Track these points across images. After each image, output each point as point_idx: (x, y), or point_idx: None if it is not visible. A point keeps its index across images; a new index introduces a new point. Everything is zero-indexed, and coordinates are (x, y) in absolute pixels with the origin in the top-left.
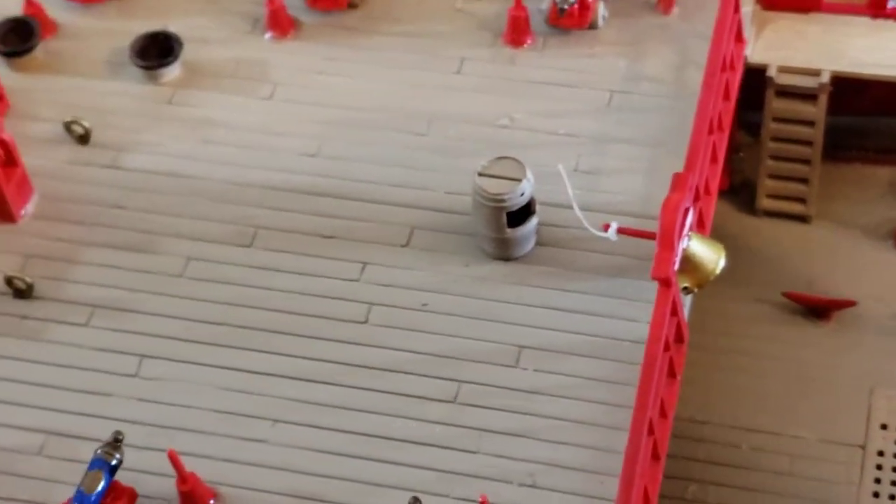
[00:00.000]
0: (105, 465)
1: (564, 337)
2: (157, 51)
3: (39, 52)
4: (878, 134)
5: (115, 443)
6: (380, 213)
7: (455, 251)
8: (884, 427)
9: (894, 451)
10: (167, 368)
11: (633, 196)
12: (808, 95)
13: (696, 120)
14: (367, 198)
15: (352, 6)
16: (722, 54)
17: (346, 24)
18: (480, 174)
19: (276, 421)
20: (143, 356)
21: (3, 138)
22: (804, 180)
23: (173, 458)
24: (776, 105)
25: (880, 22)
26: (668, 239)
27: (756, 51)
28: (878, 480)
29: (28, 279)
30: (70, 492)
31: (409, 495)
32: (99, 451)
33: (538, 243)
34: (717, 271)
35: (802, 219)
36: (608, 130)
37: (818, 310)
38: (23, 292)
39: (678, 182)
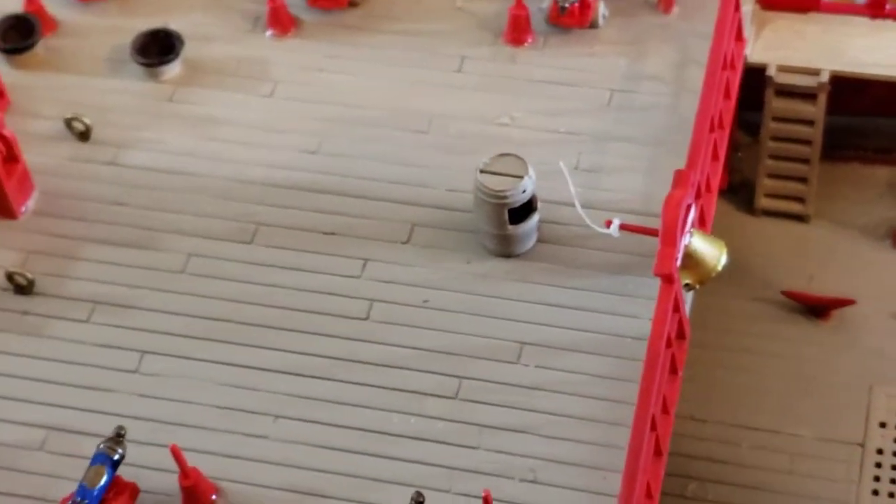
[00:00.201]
0: (107, 459)
1: (566, 333)
2: (157, 48)
3: (40, 49)
4: (877, 134)
5: (118, 438)
6: (381, 210)
7: (456, 248)
8: (882, 425)
9: (893, 450)
10: (168, 364)
11: (634, 193)
12: (808, 95)
13: (697, 117)
14: (367, 195)
15: (352, 4)
16: (723, 53)
17: (346, 22)
18: (482, 171)
19: (277, 416)
20: (144, 352)
21: (5, 135)
22: (803, 180)
23: (176, 454)
24: (775, 104)
25: (879, 22)
26: (670, 235)
27: (755, 50)
28: (877, 478)
29: (29, 275)
30: (72, 487)
31: (410, 490)
32: (101, 446)
33: (539, 240)
34: (719, 268)
35: (801, 218)
36: (609, 129)
37: (817, 308)
38: (24, 288)
39: (680, 178)
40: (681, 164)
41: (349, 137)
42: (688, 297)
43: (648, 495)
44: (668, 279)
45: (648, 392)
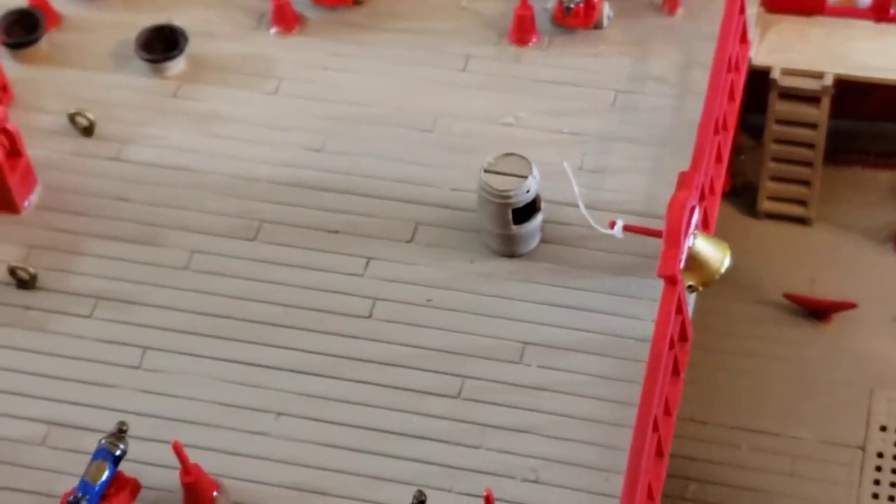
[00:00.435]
0: (109, 455)
1: (569, 334)
2: (162, 44)
3: (44, 43)
4: (880, 138)
5: (120, 433)
6: (384, 209)
7: (460, 247)
8: (883, 429)
9: (894, 453)
10: (171, 360)
11: (638, 195)
12: (811, 98)
13: (702, 119)
14: (371, 193)
15: (357, 3)
16: (727, 55)
17: (351, 20)
18: (486, 171)
19: (279, 414)
20: (146, 348)
21: (8, 129)
22: (806, 183)
23: (178, 450)
24: (779, 107)
25: (884, 26)
26: (674, 236)
27: (759, 53)
28: (877, 482)
29: (31, 270)
30: (74, 482)
31: (411, 489)
32: (103, 442)
33: (543, 240)
34: (723, 270)
35: (803, 221)
36: (613, 129)
37: (819, 311)
38: (26, 283)
39: (684, 180)
40: (685, 165)
41: (353, 135)
42: (691, 299)
43: (650, 496)
44: (671, 281)
45: (651, 393)
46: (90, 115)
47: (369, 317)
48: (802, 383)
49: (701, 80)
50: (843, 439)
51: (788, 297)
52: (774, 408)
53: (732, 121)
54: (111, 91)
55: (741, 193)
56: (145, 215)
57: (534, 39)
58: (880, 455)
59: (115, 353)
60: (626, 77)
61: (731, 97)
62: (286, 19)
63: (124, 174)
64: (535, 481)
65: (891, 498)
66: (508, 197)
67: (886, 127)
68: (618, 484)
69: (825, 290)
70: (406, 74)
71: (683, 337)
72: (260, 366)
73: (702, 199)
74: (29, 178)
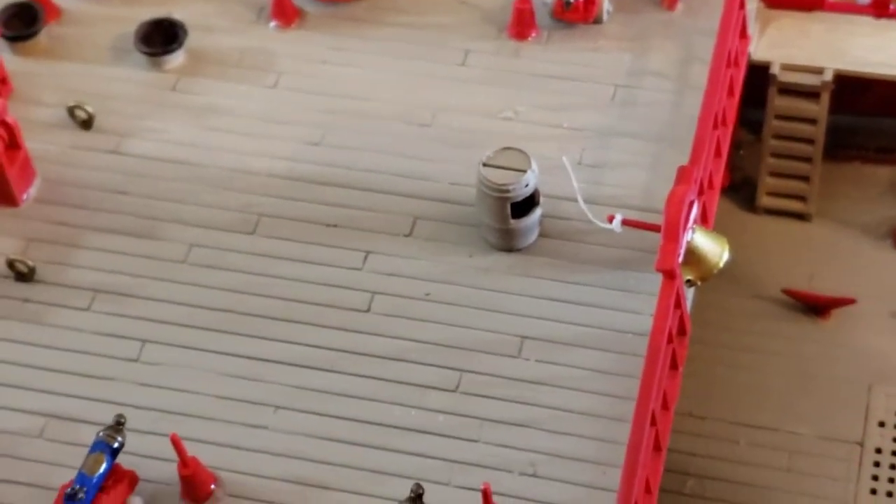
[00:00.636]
0: (107, 447)
1: (567, 328)
2: (161, 38)
3: (43, 36)
4: (879, 133)
5: (117, 426)
6: (383, 203)
7: (458, 241)
8: (881, 424)
9: (892, 449)
10: (169, 354)
11: (637, 189)
12: (811, 93)
13: (701, 114)
14: (370, 187)
15: None
16: (727, 50)
17: (350, 14)
18: (485, 164)
19: (278, 407)
20: (144, 341)
21: (7, 122)
22: (805, 178)
23: (176, 443)
24: (778, 102)
25: (884, 22)
26: (672, 231)
27: (759, 48)
28: (875, 477)
29: (30, 262)
30: (71, 475)
31: (409, 483)
32: (101, 434)
33: (541, 235)
34: (721, 265)
35: (802, 217)
36: (612, 124)
37: (817, 307)
38: (24, 275)
39: (683, 175)
40: (684, 160)
41: (352, 130)
42: (689, 294)
43: (647, 491)
44: (669, 275)
45: (649, 388)
46: (89, 109)
47: (368, 311)
48: (801, 379)
49: (700, 75)
50: (842, 435)
51: (787, 292)
52: (773, 403)
53: (732, 116)
54: (110, 84)
55: (740, 189)
56: (144, 208)
57: (533, 34)
58: (878, 451)
59: (113, 346)
60: (626, 72)
61: (731, 92)
62: (286, 13)
63: (123, 167)
64: (533, 475)
65: (889, 493)
66: (507, 191)
67: (886, 122)
68: (615, 478)
69: (824, 286)
70: (405, 69)
71: (682, 331)
72: (258, 359)
73: (700, 193)
74: (28, 171)
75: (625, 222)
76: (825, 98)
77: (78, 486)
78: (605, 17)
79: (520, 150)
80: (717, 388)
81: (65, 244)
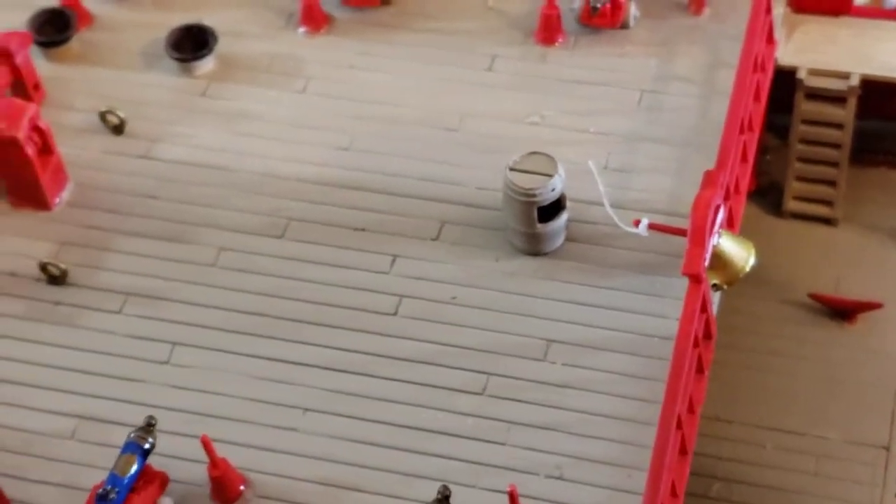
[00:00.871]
0: (138, 448)
1: (593, 332)
2: (191, 44)
3: (75, 42)
4: None
5: (148, 427)
6: (410, 207)
7: (485, 245)
8: None
9: None
10: (199, 356)
11: (663, 194)
12: (837, 98)
13: (727, 119)
14: (398, 192)
15: (385, 3)
16: (754, 55)
17: (379, 20)
18: (512, 169)
19: (307, 410)
20: (175, 344)
21: (40, 127)
22: (831, 183)
23: (206, 444)
24: (805, 107)
25: None
26: (699, 235)
27: (786, 53)
28: None
29: (62, 266)
30: (103, 475)
31: (436, 485)
32: (132, 435)
33: (568, 239)
34: (747, 269)
35: (829, 222)
36: (639, 129)
37: (844, 311)
38: (57, 279)
39: (710, 179)
40: (710, 165)
41: (380, 135)
42: (715, 298)
43: (673, 494)
44: (696, 279)
45: (675, 391)
46: (120, 114)
47: (395, 314)
48: (827, 383)
49: (727, 80)
50: (868, 439)
51: (814, 296)
52: (799, 407)
53: (758, 121)
54: (141, 90)
55: (767, 193)
56: (174, 213)
57: (560, 39)
58: None
59: (144, 349)
60: (652, 77)
61: (757, 97)
62: (314, 19)
63: (154, 172)
64: (559, 478)
65: None
66: (534, 195)
67: None
68: (641, 481)
69: (850, 291)
70: (433, 74)
71: (708, 335)
72: (287, 362)
73: (727, 198)
74: (60, 176)
75: (651, 226)
76: (852, 103)
77: (109, 487)
78: (631, 22)
79: (546, 155)
80: (744, 391)
81: (96, 248)
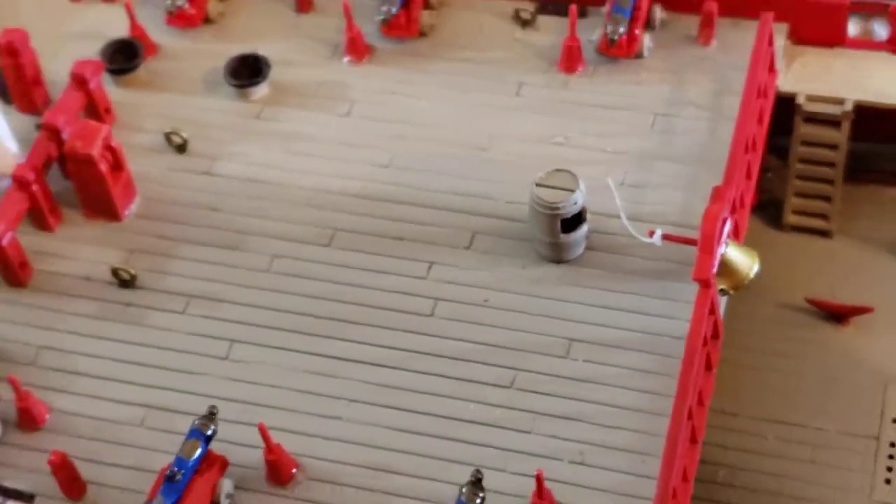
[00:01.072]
0: (201, 435)
1: (611, 332)
2: (247, 71)
3: (142, 70)
4: (892, 158)
5: (210, 416)
6: (445, 219)
7: (513, 254)
8: (895, 421)
9: None
10: (254, 352)
11: (674, 207)
12: (833, 122)
13: (733, 140)
14: (433, 205)
15: (422, 34)
16: (757, 83)
17: (416, 50)
18: (538, 185)
19: (351, 401)
20: (233, 341)
21: (112, 145)
22: (827, 199)
23: (262, 431)
24: (803, 130)
25: None
26: (708, 244)
27: (786, 81)
28: (889, 469)
29: (131, 271)
30: (170, 459)
31: (469, 469)
32: (196, 423)
33: (588, 248)
34: (752, 276)
35: (825, 234)
36: (652, 149)
37: (838, 315)
38: (127, 282)
39: (718, 194)
40: (718, 181)
41: (417, 154)
42: (722, 302)
43: (684, 479)
44: (705, 284)
45: (686, 385)
46: (184, 134)
47: (431, 315)
48: (823, 380)
49: (733, 105)
50: (860, 430)
51: (811, 301)
52: (798, 401)
53: (761, 142)
54: (202, 113)
55: (767, 208)
56: (232, 223)
57: (580, 68)
58: (893, 444)
59: (205, 346)
60: (665, 102)
61: (760, 121)
62: (358, 49)
63: (214, 187)
64: (581, 463)
65: None
66: (558, 208)
67: None
68: (655, 466)
69: (844, 296)
70: (465, 99)
71: (715, 335)
72: (334, 357)
73: (733, 211)
74: (130, 190)
75: (664, 237)
76: (846, 126)
77: (176, 469)
78: (645, 52)
79: (569, 172)
80: (747, 387)
81: (162, 255)
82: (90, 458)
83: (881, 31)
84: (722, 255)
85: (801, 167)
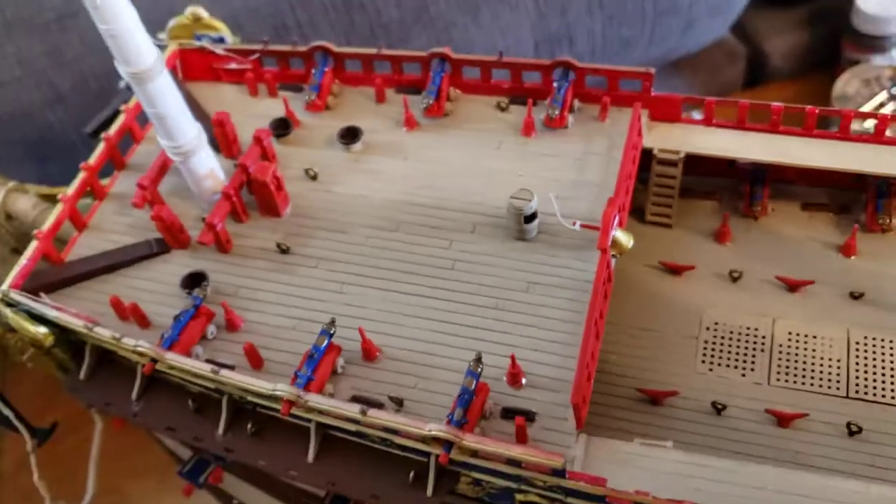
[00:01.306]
0: (327, 334)
1: (552, 278)
2: (350, 137)
3: (292, 135)
4: (706, 184)
5: (331, 324)
6: (459, 216)
7: (498, 236)
8: (707, 329)
9: (711, 339)
10: (355, 289)
11: (587, 210)
12: (673, 163)
13: (619, 173)
14: (453, 208)
15: (445, 115)
16: (633, 142)
17: (442, 123)
18: (511, 197)
19: (408, 315)
20: (343, 283)
21: (277, 175)
22: (669, 206)
23: (361, 332)
24: (657, 168)
25: (710, 128)
26: (606, 229)
27: (648, 141)
28: (704, 355)
29: (287, 244)
30: (388, 350)
31: (473, 352)
32: (323, 327)
33: (539, 232)
34: (629, 247)
35: (668, 226)
36: (574, 178)
37: (675, 270)
38: (284, 251)
39: (611, 202)
40: (610, 195)
41: (444, 180)
42: (613, 261)
43: (592, 358)
44: (604, 251)
45: (594, 307)
46: (315, 170)
47: (452, 269)
48: (666, 304)
49: (618, 155)
50: (687, 333)
51: (661, 263)
52: (650, 316)
53: (634, 174)
54: (325, 158)
55: (637, 211)
56: (342, 218)
57: (534, 134)
58: (705, 341)
59: (328, 286)
60: (581, 152)
61: (634, 162)
62: (410, 123)
63: (332, 200)
64: (534, 349)
65: (711, 363)
66: (522, 210)
67: (710, 179)
68: (577, 351)
69: (679, 260)
70: (470, 150)
71: (608, 280)
72: (398, 292)
73: (620, 211)
74: (286, 200)
75: (582, 225)
76: (680, 166)
77: (313, 352)
78: (570, 125)
79: (528, 190)
80: (622, 308)
81: (304, 236)
82: (265, 346)
83: (698, 115)
84: (613, 235)
85: (655, 189)
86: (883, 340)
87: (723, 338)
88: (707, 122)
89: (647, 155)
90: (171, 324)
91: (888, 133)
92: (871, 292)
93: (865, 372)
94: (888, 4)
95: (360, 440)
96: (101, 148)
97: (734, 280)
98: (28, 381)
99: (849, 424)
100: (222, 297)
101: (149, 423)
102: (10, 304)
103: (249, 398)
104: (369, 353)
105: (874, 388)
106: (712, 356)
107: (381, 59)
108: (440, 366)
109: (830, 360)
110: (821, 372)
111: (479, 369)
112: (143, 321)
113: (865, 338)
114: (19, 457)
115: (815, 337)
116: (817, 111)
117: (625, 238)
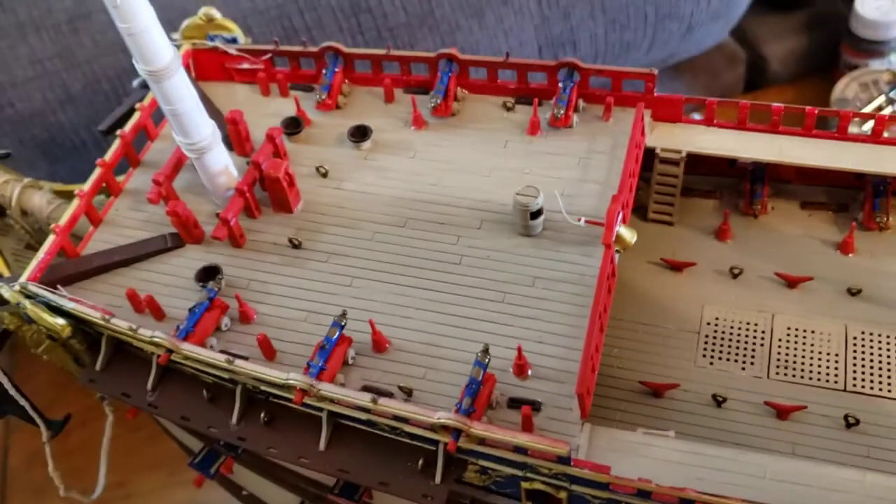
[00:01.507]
0: (339, 325)
1: (556, 273)
2: (360, 134)
3: (303, 133)
4: (707, 183)
5: (343, 316)
6: (467, 213)
7: (504, 231)
8: (708, 323)
9: (711, 334)
10: (365, 283)
11: (591, 206)
12: (675, 162)
13: (623, 171)
14: (460, 205)
15: (452, 115)
16: (636, 141)
17: (449, 122)
18: (517, 194)
19: (417, 308)
20: (353, 277)
21: (289, 172)
22: (671, 204)
23: (371, 324)
24: (659, 167)
25: (711, 128)
26: (610, 225)
27: (650, 140)
28: (704, 349)
29: (298, 239)
30: (396, 342)
31: (480, 344)
32: (335, 319)
33: (544, 228)
34: (633, 243)
35: (670, 224)
36: (579, 176)
37: (676, 267)
38: (296, 246)
39: (615, 199)
40: (614, 192)
41: (452, 177)
42: (617, 257)
43: (596, 350)
44: (608, 246)
45: (598, 301)
46: (326, 167)
47: (459, 264)
48: (668, 299)
49: (622, 153)
50: (688, 328)
51: (663, 259)
52: (654, 312)
53: (637, 172)
54: (335, 156)
55: (639, 209)
56: (352, 214)
57: (539, 133)
58: (706, 335)
59: (338, 279)
60: (585, 151)
61: (637, 161)
62: (419, 122)
63: (342, 196)
64: (539, 342)
65: (712, 356)
66: (528, 207)
67: (711, 178)
68: (581, 343)
69: (680, 257)
70: (477, 149)
71: (613, 274)
72: (406, 286)
73: (624, 208)
74: (297, 196)
75: (587, 221)
76: (682, 165)
77: (325, 342)
78: (574, 124)
79: (534, 187)
80: (627, 303)
81: (315, 231)
82: (278, 338)
83: (697, 116)
84: (617, 231)
85: (657, 187)
86: (879, 335)
87: (723, 332)
88: (708, 122)
89: (649, 154)
90: (186, 316)
91: (886, 134)
92: (869, 289)
93: (862, 366)
94: (887, 9)
95: (370, 429)
96: (116, 145)
97: (734, 276)
98: (39, 377)
99: (846, 417)
100: (235, 290)
101: (164, 413)
102: (29, 296)
103: (263, 388)
104: (379, 344)
105: (871, 381)
106: (713, 350)
107: (390, 59)
108: (448, 357)
109: (828, 354)
110: (819, 366)
111: (487, 360)
112: (158, 313)
113: (862, 333)
114: (28, 453)
115: (813, 332)
116: (816, 112)
117: (628, 234)
